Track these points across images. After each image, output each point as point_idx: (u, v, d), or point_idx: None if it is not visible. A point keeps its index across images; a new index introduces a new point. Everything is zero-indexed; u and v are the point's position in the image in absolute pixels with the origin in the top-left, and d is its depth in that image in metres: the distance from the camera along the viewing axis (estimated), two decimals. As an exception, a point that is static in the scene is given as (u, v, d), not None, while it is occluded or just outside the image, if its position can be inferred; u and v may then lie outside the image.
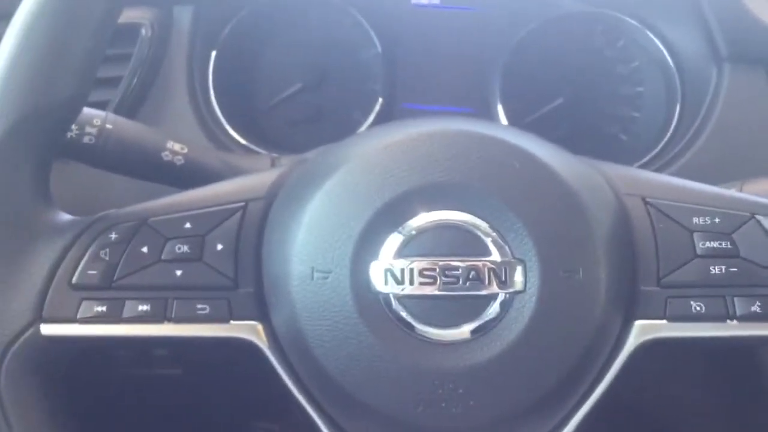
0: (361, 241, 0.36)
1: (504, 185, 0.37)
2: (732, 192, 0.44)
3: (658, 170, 0.66)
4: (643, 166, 0.67)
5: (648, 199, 0.40)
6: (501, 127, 0.41)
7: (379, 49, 0.69)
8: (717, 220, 0.39)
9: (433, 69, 0.71)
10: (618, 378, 0.38)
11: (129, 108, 0.62)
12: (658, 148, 0.67)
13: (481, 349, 0.36)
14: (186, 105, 0.64)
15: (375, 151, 0.38)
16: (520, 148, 0.38)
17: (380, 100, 0.69)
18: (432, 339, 0.36)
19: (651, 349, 0.38)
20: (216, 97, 0.66)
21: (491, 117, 0.69)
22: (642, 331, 0.38)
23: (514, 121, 0.68)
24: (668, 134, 0.68)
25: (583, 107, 0.70)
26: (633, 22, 0.68)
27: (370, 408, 0.37)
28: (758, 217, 0.39)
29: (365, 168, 0.37)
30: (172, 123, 0.63)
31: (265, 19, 0.69)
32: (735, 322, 0.38)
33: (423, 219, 0.37)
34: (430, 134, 0.38)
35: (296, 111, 0.70)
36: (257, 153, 0.64)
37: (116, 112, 0.61)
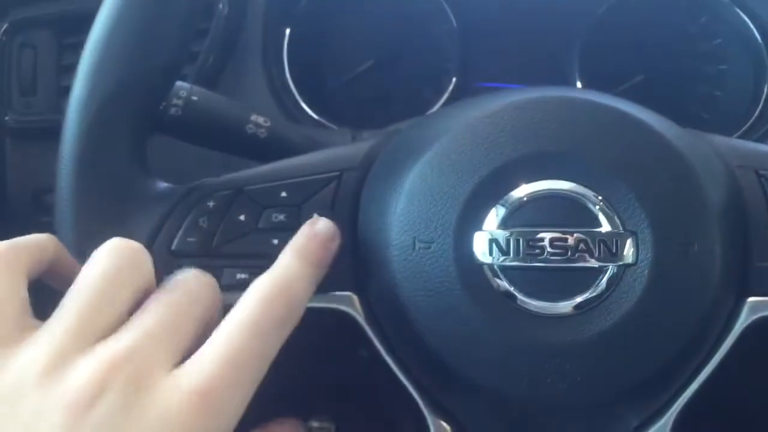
0: (465, 210, 0.35)
1: (615, 154, 0.36)
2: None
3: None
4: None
5: (761, 172, 0.38)
6: (609, 95, 0.39)
7: (454, 24, 0.68)
8: None
9: (508, 47, 0.69)
10: (727, 358, 0.37)
11: (206, 83, 0.61)
12: (745, 127, 0.65)
13: (591, 323, 0.35)
14: (261, 80, 0.63)
15: (478, 120, 0.37)
16: (630, 116, 0.37)
17: (454, 79, 0.68)
18: (539, 312, 0.35)
19: (763, 329, 0.37)
20: (290, 73, 0.66)
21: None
22: (754, 308, 0.37)
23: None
24: (755, 114, 0.65)
25: (664, 85, 0.68)
26: (720, -3, 0.66)
27: (471, 382, 0.36)
28: None
29: (468, 137, 0.36)
30: (248, 98, 0.63)
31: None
32: None
33: (529, 188, 0.35)
34: (536, 102, 0.37)
35: (368, 88, 0.69)
36: (335, 128, 0.63)
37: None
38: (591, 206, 0.35)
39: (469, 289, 0.35)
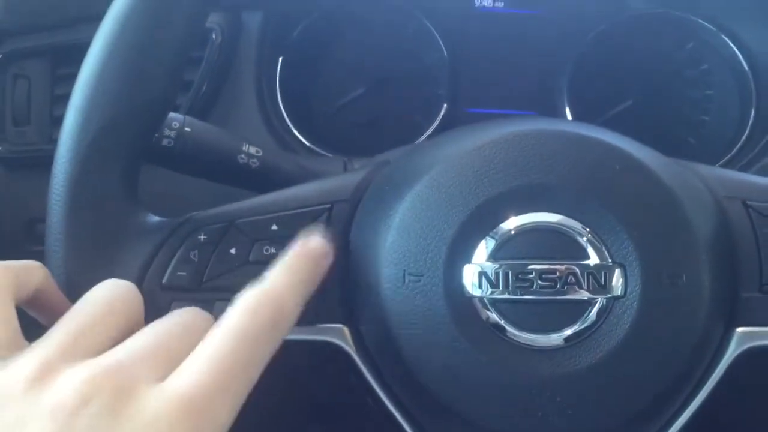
0: (455, 243, 0.36)
1: (602, 187, 0.36)
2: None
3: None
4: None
5: (749, 203, 0.38)
6: (597, 127, 0.40)
7: (445, 53, 0.69)
8: None
9: (497, 73, 0.70)
10: (717, 389, 0.37)
11: (200, 112, 0.62)
12: (733, 152, 0.66)
13: (581, 356, 0.35)
14: (254, 109, 0.64)
15: (467, 152, 0.37)
16: (618, 149, 0.37)
17: (445, 105, 0.69)
18: (528, 345, 0.35)
19: (752, 360, 0.37)
20: (283, 102, 0.66)
21: (558, 121, 0.68)
22: (743, 338, 0.37)
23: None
24: (742, 139, 0.66)
25: (652, 110, 0.69)
26: (704, 23, 0.67)
27: (461, 415, 0.36)
28: None
29: (458, 169, 0.37)
30: (241, 127, 0.63)
31: (331, 24, 0.69)
32: None
33: (518, 221, 0.36)
34: (524, 135, 0.37)
35: (360, 115, 0.70)
36: (327, 156, 0.64)
37: (188, 115, 0.62)
38: (579, 239, 0.36)
39: (459, 322, 0.35)
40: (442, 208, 0.36)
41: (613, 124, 0.71)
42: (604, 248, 0.35)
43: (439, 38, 0.69)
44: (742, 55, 0.66)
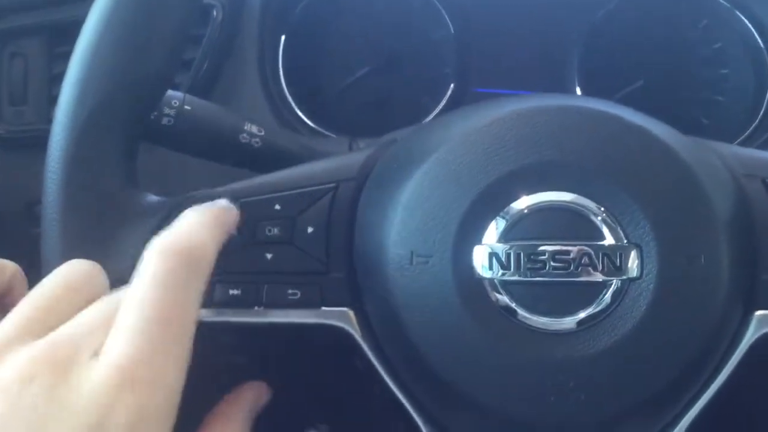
0: (465, 223, 0.34)
1: (618, 164, 0.35)
2: None
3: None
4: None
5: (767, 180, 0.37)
6: (611, 102, 0.38)
7: (452, 29, 0.67)
8: None
9: (506, 52, 0.68)
10: (735, 374, 0.36)
11: (201, 90, 0.61)
12: (748, 132, 0.64)
13: (594, 339, 0.34)
14: (257, 88, 0.62)
15: (477, 130, 0.36)
16: (633, 125, 0.36)
17: (452, 84, 0.67)
18: (540, 328, 0.34)
19: None
20: (286, 81, 0.65)
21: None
22: (763, 322, 0.36)
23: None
24: (758, 118, 0.64)
25: (664, 89, 0.67)
26: (720, 1, 0.65)
27: (470, 400, 0.35)
28: None
29: (467, 147, 0.35)
30: (244, 106, 0.62)
31: (334, 1, 0.67)
32: None
33: (530, 200, 0.34)
34: (536, 111, 0.36)
35: (365, 95, 0.68)
36: (331, 136, 0.62)
37: (189, 94, 0.60)
38: (593, 218, 0.34)
39: (469, 305, 0.34)
40: (451, 188, 0.35)
41: (625, 104, 0.70)
42: (619, 228, 0.34)
43: (445, 14, 0.67)
44: (758, 33, 0.64)
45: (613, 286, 0.34)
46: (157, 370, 0.28)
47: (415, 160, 0.36)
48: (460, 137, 0.36)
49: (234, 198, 0.38)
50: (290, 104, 0.64)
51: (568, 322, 0.34)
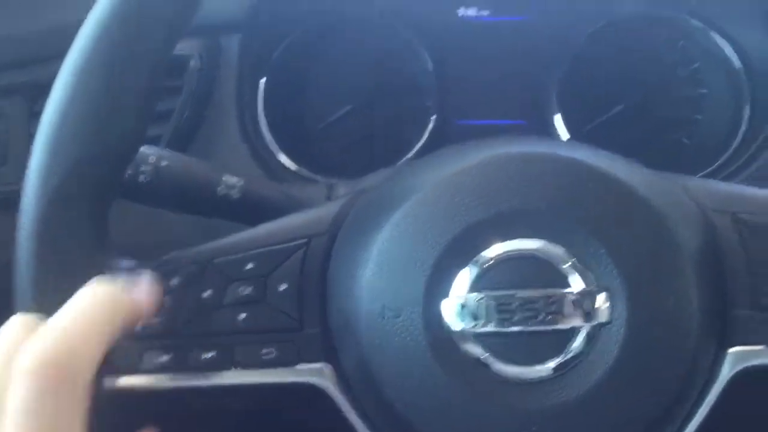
0: (434, 276, 0.35)
1: (584, 210, 0.35)
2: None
3: (731, 175, 0.63)
4: (714, 171, 0.64)
5: (739, 215, 0.37)
6: (575, 146, 0.38)
7: (430, 64, 0.67)
8: None
9: (486, 82, 0.69)
10: (712, 413, 0.36)
11: (181, 142, 0.61)
12: (729, 151, 0.64)
13: (567, 387, 0.34)
14: (237, 134, 0.63)
15: (443, 179, 0.36)
16: (598, 169, 0.36)
17: (434, 117, 0.68)
18: (513, 378, 0.34)
19: (747, 381, 0.36)
20: (267, 125, 0.65)
21: (549, 128, 0.66)
22: (737, 359, 0.35)
23: (574, 131, 0.66)
24: (738, 137, 0.64)
25: (645, 113, 0.67)
26: (695, 22, 0.65)
27: None
28: None
29: (434, 197, 0.36)
30: (225, 154, 0.62)
31: (312, 42, 0.68)
32: None
33: (498, 249, 0.35)
34: (502, 159, 0.36)
35: (348, 133, 0.69)
36: (313, 181, 0.63)
37: (169, 146, 0.61)
38: (562, 265, 0.34)
39: (441, 359, 0.34)
40: (419, 239, 0.35)
41: (606, 129, 0.71)
42: (588, 274, 0.34)
43: (424, 51, 0.67)
44: (735, 53, 0.64)
45: (584, 332, 0.34)
46: None
47: (383, 213, 0.36)
48: (428, 187, 0.36)
49: (206, 259, 0.38)
50: (271, 149, 0.64)
51: (542, 371, 0.34)
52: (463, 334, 0.34)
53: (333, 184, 0.55)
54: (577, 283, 0.34)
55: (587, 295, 0.34)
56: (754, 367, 0.36)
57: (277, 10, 0.66)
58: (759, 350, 0.35)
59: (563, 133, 0.66)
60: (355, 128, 0.69)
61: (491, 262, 0.35)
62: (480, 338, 0.34)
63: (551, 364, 0.34)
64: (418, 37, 0.67)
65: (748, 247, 0.36)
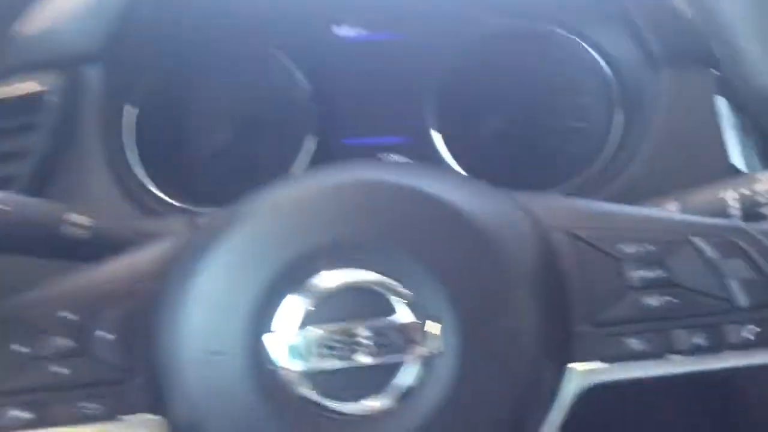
0: (254, 313, 0.33)
1: (410, 237, 0.34)
2: (666, 213, 0.41)
3: (609, 181, 0.63)
4: (595, 177, 0.64)
5: (576, 232, 0.36)
6: (410, 168, 0.37)
7: (307, 87, 0.66)
8: (649, 246, 0.36)
9: (367, 101, 0.68)
10: None
11: (42, 179, 0.58)
12: (605, 158, 0.64)
13: (404, 419, 0.32)
14: (104, 170, 0.60)
15: (262, 213, 0.35)
16: (426, 194, 0.35)
17: (315, 140, 0.66)
18: (347, 416, 0.33)
19: (593, 398, 0.35)
20: (140, 157, 0.63)
21: (429, 145, 0.66)
22: (578, 377, 0.35)
23: (453, 146, 0.65)
24: (614, 144, 0.65)
25: (525, 124, 0.67)
26: (563, 32, 0.66)
27: None
28: (693, 239, 0.36)
29: (253, 232, 0.34)
30: (91, 190, 0.59)
31: (182, 69, 0.66)
32: (679, 356, 0.35)
33: (322, 282, 0.33)
34: (322, 189, 0.35)
35: (225, 161, 0.67)
36: (176, 214, 0.60)
37: (29, 185, 0.58)
38: (390, 294, 0.33)
39: (270, 401, 0.32)
40: (239, 276, 0.34)
41: (487, 142, 0.70)
42: (418, 303, 0.33)
43: (299, 73, 0.66)
44: (604, 61, 0.65)
45: (416, 364, 0.33)
46: None
47: (205, 250, 0.35)
48: (247, 222, 0.35)
49: (21, 309, 0.36)
50: (142, 182, 0.62)
51: (377, 406, 0.33)
52: (289, 374, 0.33)
53: (197, 214, 0.53)
54: (406, 315, 0.33)
55: (418, 326, 0.33)
56: (595, 384, 0.35)
57: (141, 37, 0.64)
58: (599, 367, 0.35)
59: (443, 150, 0.65)
60: (233, 155, 0.67)
61: (317, 295, 0.33)
62: (309, 376, 0.33)
63: (387, 397, 0.33)
64: (294, 60, 0.66)
65: (586, 263, 0.36)
